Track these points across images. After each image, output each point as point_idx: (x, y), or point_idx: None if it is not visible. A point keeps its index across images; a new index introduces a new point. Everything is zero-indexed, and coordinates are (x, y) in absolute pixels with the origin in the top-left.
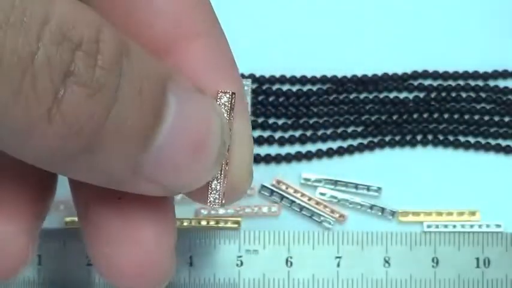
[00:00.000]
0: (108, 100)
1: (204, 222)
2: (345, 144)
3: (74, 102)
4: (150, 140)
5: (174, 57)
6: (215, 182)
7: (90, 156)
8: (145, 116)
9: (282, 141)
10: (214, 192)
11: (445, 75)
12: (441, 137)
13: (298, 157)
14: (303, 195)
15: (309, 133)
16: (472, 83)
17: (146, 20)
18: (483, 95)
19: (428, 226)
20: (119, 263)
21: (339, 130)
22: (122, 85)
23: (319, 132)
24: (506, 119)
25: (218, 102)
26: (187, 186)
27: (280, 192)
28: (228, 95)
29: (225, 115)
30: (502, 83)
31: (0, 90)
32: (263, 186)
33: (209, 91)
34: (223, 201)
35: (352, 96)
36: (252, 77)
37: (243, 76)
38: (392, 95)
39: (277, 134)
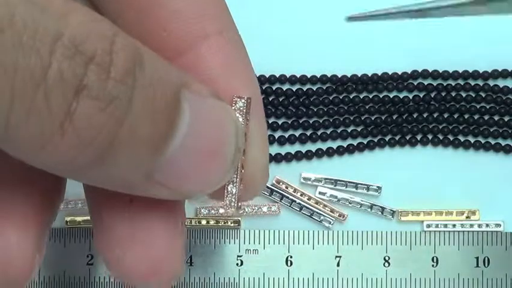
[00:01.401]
0: (121, 112)
1: (204, 222)
2: (344, 143)
3: (86, 115)
4: (163, 149)
5: (190, 56)
6: (231, 185)
7: (102, 166)
8: (158, 126)
9: (281, 141)
10: (230, 195)
11: (445, 75)
12: (441, 137)
13: (298, 156)
14: (302, 194)
15: (308, 133)
16: (472, 82)
17: (163, 19)
18: (483, 94)
19: (428, 225)
20: (129, 264)
21: (339, 130)
22: (134, 96)
23: (319, 132)
24: (506, 118)
25: (233, 107)
26: (201, 192)
27: (280, 191)
28: (243, 100)
29: (241, 120)
30: (501, 83)
31: (14, 106)
32: None
33: (226, 91)
34: (239, 204)
35: (352, 95)
36: None
37: None
38: (392, 95)
39: (277, 134)
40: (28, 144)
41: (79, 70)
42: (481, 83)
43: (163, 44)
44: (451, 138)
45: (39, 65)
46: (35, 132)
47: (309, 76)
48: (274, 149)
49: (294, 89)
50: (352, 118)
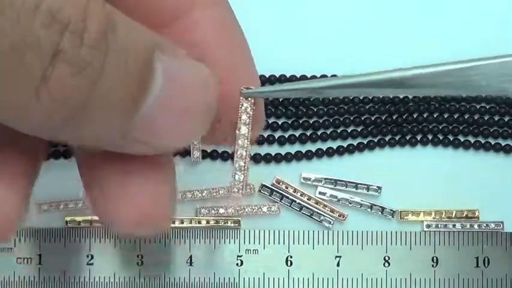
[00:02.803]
0: (93, 75)
1: (204, 222)
2: (344, 143)
3: (60, 79)
4: (136, 110)
5: (185, 22)
6: (239, 173)
7: (78, 126)
8: (130, 88)
9: (281, 141)
10: (238, 183)
11: None
12: (441, 137)
13: (298, 156)
14: (302, 194)
15: (308, 133)
16: None
17: None
18: (483, 94)
19: (428, 225)
20: (121, 215)
21: (339, 130)
22: (107, 60)
23: (319, 132)
24: (506, 118)
25: (241, 97)
26: (176, 146)
27: (280, 191)
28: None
29: (249, 110)
30: None
31: None
32: (263, 186)
33: (219, 57)
34: (244, 192)
35: (352, 95)
36: None
37: None
38: (392, 95)
39: (277, 134)
40: (5, 107)
41: (55, 38)
42: None
43: (158, 8)
44: (451, 138)
45: (19, 32)
46: (12, 97)
47: (309, 76)
48: (274, 149)
49: None
50: (352, 118)
